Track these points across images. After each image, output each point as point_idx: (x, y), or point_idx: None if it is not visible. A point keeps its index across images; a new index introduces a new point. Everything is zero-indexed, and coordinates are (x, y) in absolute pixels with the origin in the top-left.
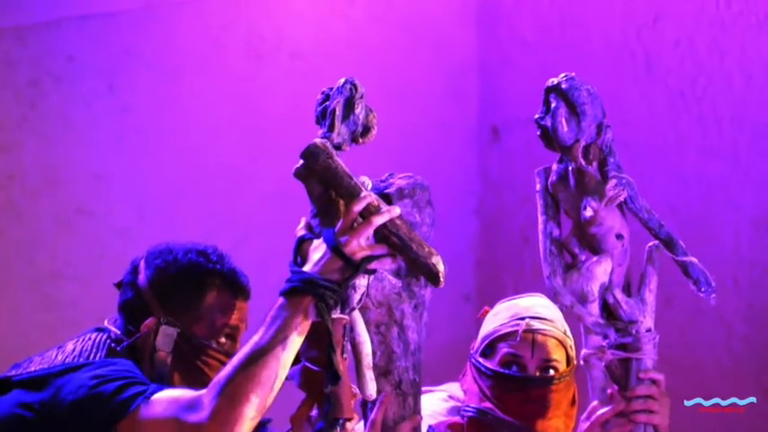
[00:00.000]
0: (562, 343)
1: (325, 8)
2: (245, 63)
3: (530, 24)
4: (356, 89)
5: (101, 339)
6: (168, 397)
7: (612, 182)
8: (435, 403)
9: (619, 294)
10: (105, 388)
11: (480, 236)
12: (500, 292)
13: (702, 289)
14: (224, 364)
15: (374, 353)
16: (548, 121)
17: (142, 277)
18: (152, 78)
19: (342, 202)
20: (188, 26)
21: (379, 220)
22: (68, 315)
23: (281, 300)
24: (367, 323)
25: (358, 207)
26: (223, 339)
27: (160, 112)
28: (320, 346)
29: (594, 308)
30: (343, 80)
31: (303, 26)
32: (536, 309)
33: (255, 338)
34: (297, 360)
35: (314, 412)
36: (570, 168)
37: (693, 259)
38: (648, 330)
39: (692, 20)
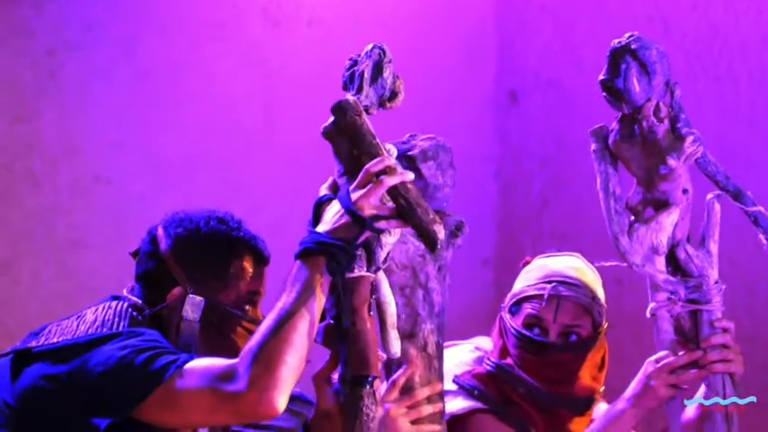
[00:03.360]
0: (588, 309)
1: None
2: (263, 30)
3: None
4: (384, 54)
5: (122, 308)
6: (201, 366)
7: (690, 138)
8: (462, 353)
9: (690, 249)
10: (136, 358)
11: (499, 200)
12: (519, 256)
13: None
14: (249, 330)
15: (399, 316)
16: (619, 83)
17: (164, 246)
18: (170, 46)
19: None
20: None
21: (390, 182)
22: (87, 283)
23: (297, 262)
24: (391, 286)
25: (374, 167)
26: (247, 306)
27: (178, 80)
28: (343, 303)
29: (661, 263)
30: (371, 45)
31: None
32: (566, 272)
33: (280, 304)
34: (323, 317)
35: (336, 375)
36: (638, 127)
37: (761, 208)
38: (716, 282)
39: None
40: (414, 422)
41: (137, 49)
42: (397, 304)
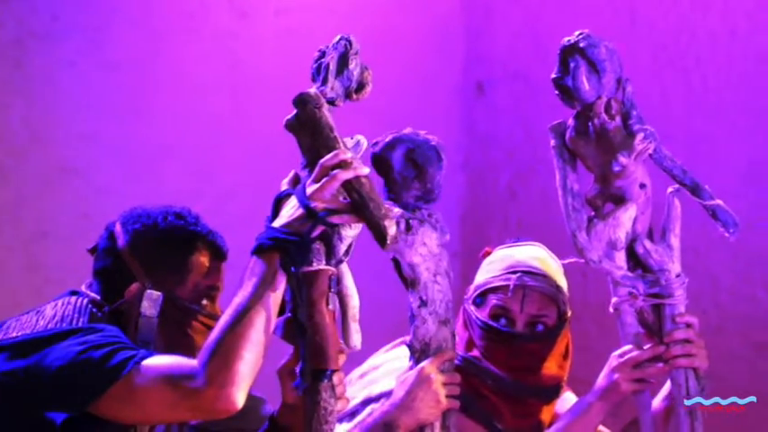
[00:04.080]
0: (553, 298)
1: None
2: (231, 20)
3: None
4: (351, 45)
5: (81, 304)
6: (160, 363)
7: (640, 135)
8: None
9: (648, 244)
10: (94, 353)
11: (466, 191)
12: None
13: (730, 230)
14: (207, 325)
15: (435, 301)
16: (568, 81)
17: (121, 242)
18: (137, 37)
19: None
20: None
21: (343, 176)
22: (55, 275)
23: (253, 257)
24: (426, 271)
25: (328, 162)
26: (205, 301)
27: (146, 71)
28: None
29: (621, 257)
30: (338, 37)
31: None
32: (530, 262)
33: (237, 300)
34: (283, 310)
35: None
36: (591, 124)
37: (719, 202)
38: (678, 275)
39: None
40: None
41: (104, 39)
42: (432, 290)
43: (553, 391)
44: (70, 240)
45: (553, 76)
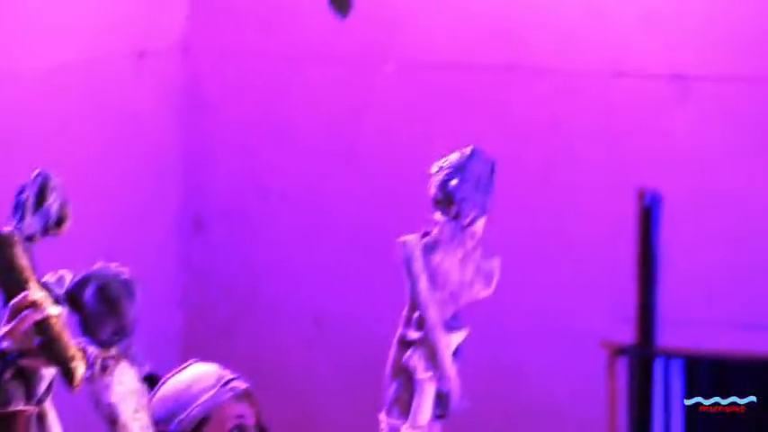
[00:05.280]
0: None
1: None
2: None
3: (234, 111)
4: (49, 180)
5: None
6: None
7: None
8: None
9: None
10: None
11: (184, 327)
12: None
13: None
14: None
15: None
16: (462, 191)
17: None
18: None
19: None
20: None
21: (32, 317)
22: None
23: None
24: (127, 409)
25: (18, 302)
26: None
27: None
28: None
29: None
30: (36, 171)
31: None
32: (223, 373)
33: None
34: None
35: None
36: (460, 240)
37: None
38: None
39: None
40: None
41: None
42: (132, 428)
43: None
44: None
45: (441, 183)
